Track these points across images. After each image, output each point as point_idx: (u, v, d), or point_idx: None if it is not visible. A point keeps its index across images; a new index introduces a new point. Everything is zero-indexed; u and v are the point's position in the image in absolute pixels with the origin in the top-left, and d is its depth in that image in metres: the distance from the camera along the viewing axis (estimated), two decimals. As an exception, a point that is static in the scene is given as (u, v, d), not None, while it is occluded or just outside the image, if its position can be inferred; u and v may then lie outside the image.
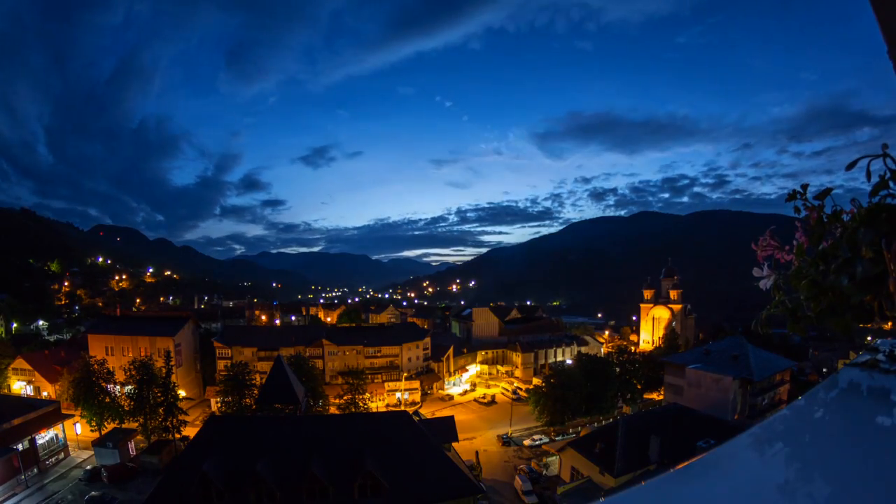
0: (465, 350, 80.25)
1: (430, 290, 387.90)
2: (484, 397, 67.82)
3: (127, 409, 46.04)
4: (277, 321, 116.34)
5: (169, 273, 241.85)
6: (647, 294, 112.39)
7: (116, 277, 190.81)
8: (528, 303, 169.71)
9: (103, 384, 47.40)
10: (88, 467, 39.34)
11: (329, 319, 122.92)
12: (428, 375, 69.60)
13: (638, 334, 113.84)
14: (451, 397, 69.35)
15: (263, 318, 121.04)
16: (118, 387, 48.37)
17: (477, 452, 44.31)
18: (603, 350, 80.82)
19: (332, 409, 52.00)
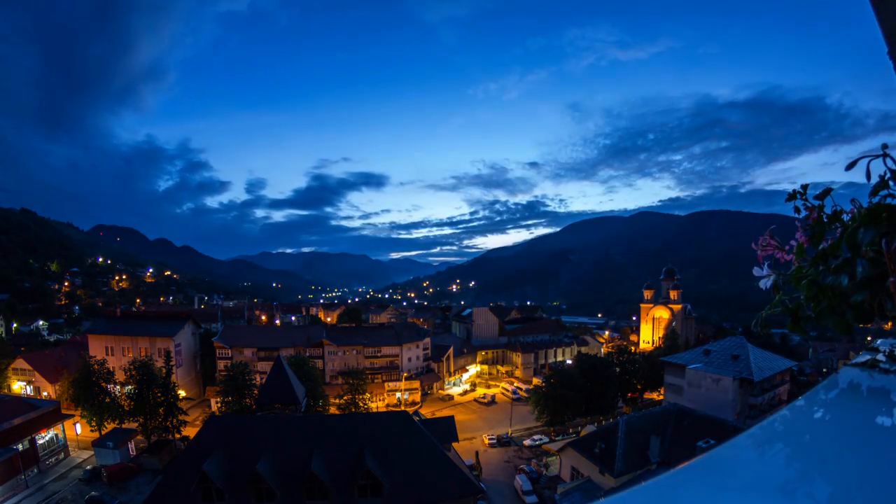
0: (465, 350, 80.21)
1: (430, 290, 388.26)
2: (484, 397, 67.79)
3: (127, 409, 45.93)
4: (277, 321, 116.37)
5: (169, 273, 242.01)
6: (648, 294, 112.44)
7: (116, 277, 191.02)
8: (529, 303, 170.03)
9: (103, 384, 47.25)
10: (88, 467, 39.29)
11: (329, 319, 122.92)
12: (428, 375, 69.57)
13: (638, 334, 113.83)
14: (451, 397, 69.33)
15: (263, 318, 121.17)
16: (118, 387, 48.32)
17: (477, 452, 44.29)
18: (603, 350, 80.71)
19: (332, 409, 51.92)
